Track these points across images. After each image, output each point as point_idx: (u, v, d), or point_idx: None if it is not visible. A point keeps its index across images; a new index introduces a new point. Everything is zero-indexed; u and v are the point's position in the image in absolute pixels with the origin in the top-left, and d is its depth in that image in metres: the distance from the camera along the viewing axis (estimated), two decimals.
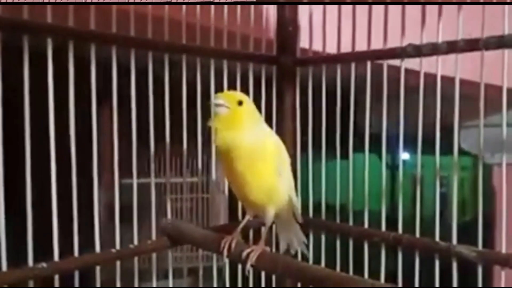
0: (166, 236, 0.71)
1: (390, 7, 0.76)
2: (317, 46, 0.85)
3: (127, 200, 0.72)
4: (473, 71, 0.67)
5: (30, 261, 0.60)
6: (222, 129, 0.59)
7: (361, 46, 0.79)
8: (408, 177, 0.80)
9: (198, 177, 0.81)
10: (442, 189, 0.73)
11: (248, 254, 0.59)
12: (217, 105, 0.59)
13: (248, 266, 0.58)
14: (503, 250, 0.66)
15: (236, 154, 0.59)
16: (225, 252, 0.61)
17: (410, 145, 0.74)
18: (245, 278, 0.76)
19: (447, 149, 0.72)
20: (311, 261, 0.84)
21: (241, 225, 0.65)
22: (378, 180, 0.78)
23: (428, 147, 0.72)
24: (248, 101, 0.63)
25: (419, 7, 0.72)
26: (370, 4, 0.77)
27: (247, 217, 0.67)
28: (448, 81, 0.70)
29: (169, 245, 0.71)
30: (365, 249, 0.78)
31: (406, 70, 0.74)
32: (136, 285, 0.73)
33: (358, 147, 0.79)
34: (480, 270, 0.67)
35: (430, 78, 0.71)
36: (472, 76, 0.67)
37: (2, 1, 0.57)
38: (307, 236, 0.86)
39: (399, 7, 0.74)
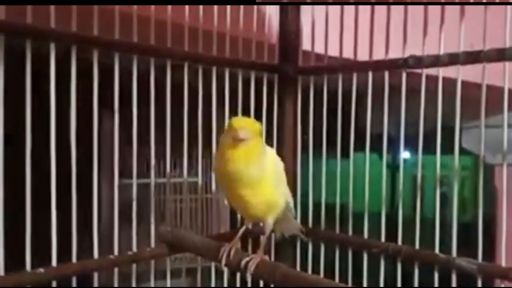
0: (165, 244, 0.70)
1: (392, 16, 0.76)
2: (320, 49, 0.86)
3: (127, 200, 0.71)
4: (475, 73, 0.67)
5: (28, 266, 0.60)
6: (235, 158, 0.57)
7: (363, 51, 0.79)
8: (409, 177, 0.80)
9: (199, 178, 0.81)
10: (442, 189, 0.73)
11: (246, 263, 0.58)
12: (240, 139, 0.56)
13: (247, 275, 0.58)
14: (503, 263, 0.66)
15: (244, 183, 0.58)
16: (224, 260, 0.61)
17: (411, 144, 0.74)
18: (243, 279, 0.75)
19: (447, 148, 0.72)
20: (310, 271, 0.83)
21: (239, 233, 0.65)
22: (378, 179, 0.78)
23: (429, 147, 0.72)
24: (261, 128, 0.60)
25: (421, 16, 0.73)
26: (372, 4, 0.78)
27: (244, 227, 0.67)
28: (449, 82, 0.70)
29: (167, 253, 0.71)
30: (365, 260, 0.78)
31: (408, 72, 0.74)
32: (134, 285, 0.72)
33: (359, 148, 0.79)
34: (479, 282, 0.67)
35: (432, 79, 0.71)
36: (474, 78, 0.67)
37: None
38: (306, 246, 0.86)
39: (401, 16, 0.75)
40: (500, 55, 0.65)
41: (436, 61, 0.70)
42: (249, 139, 0.56)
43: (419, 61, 0.72)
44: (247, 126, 0.57)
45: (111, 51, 0.67)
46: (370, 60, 0.78)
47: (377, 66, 0.77)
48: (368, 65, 0.78)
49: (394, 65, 0.75)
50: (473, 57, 0.67)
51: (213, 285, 0.82)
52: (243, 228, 0.67)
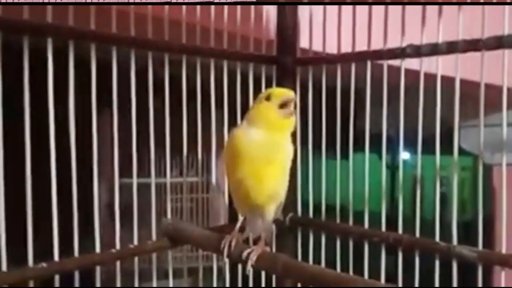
0: (167, 237, 0.71)
1: (390, 7, 0.76)
2: (318, 46, 0.86)
3: (127, 200, 0.72)
4: (473, 71, 0.67)
5: (30, 261, 0.60)
6: (281, 128, 0.58)
7: (362, 46, 0.79)
8: (408, 177, 0.80)
9: (198, 177, 0.81)
10: (442, 189, 0.73)
11: (248, 255, 0.59)
12: (289, 107, 0.57)
13: (248, 266, 0.58)
14: (503, 251, 0.66)
15: (270, 157, 0.57)
16: (225, 252, 0.61)
17: (410, 145, 0.74)
18: (245, 278, 0.76)
19: (447, 149, 0.72)
20: (311, 261, 0.84)
21: (238, 224, 0.65)
22: (378, 180, 0.78)
23: (428, 147, 0.72)
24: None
25: (419, 6, 0.72)
26: (370, 4, 0.77)
27: (242, 218, 0.66)
28: (448, 80, 0.70)
29: (169, 246, 0.71)
30: (365, 250, 0.78)
31: (406, 70, 0.74)
32: (136, 285, 0.73)
33: (358, 147, 0.79)
34: (480, 270, 0.67)
35: (430, 78, 0.71)
36: (472, 76, 0.67)
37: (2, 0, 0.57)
38: (307, 236, 0.86)
39: (400, 7, 0.74)
40: (499, 42, 0.64)
41: (435, 49, 0.70)
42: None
43: (417, 50, 0.72)
44: (293, 96, 0.58)
45: (108, 45, 0.67)
46: (368, 49, 0.78)
47: (376, 56, 0.77)
48: (366, 55, 0.78)
49: (393, 54, 0.75)
50: (472, 45, 0.67)
51: (215, 285, 0.82)
52: (241, 219, 0.67)
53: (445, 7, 0.70)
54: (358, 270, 0.75)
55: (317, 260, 0.82)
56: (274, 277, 0.85)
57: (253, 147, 0.57)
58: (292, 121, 0.59)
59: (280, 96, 0.58)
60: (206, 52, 0.77)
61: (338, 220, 0.83)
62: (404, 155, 0.76)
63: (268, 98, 0.58)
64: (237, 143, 0.59)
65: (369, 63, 0.77)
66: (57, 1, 0.62)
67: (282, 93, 0.59)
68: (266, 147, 0.57)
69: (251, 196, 0.60)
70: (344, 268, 0.78)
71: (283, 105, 0.58)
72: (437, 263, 0.71)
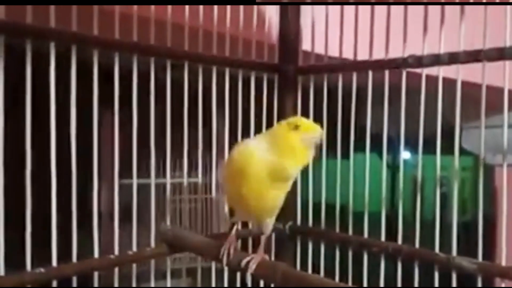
0: (165, 243, 0.70)
1: (392, 16, 0.76)
2: (320, 49, 0.86)
3: (126, 201, 0.71)
4: (475, 73, 0.67)
5: (28, 266, 0.60)
6: (286, 156, 0.57)
7: (363, 53, 0.79)
8: (409, 177, 0.80)
9: (199, 178, 0.81)
10: (442, 189, 0.73)
11: (247, 263, 0.58)
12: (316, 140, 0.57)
13: (247, 274, 0.58)
14: (503, 262, 0.66)
15: (275, 182, 0.57)
16: (224, 259, 0.61)
17: (411, 144, 0.74)
18: (243, 279, 0.75)
19: (448, 149, 0.72)
20: (310, 270, 0.84)
21: (233, 231, 0.64)
22: (378, 179, 0.78)
23: (429, 147, 0.72)
24: None
25: (421, 16, 0.73)
26: (372, 4, 0.78)
27: (236, 226, 0.66)
28: (450, 82, 0.70)
29: (167, 252, 0.71)
30: (365, 259, 0.78)
31: (408, 72, 0.74)
32: (134, 285, 0.72)
33: (359, 147, 0.79)
34: (479, 281, 0.67)
35: (432, 79, 0.71)
36: (474, 78, 0.67)
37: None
38: (306, 245, 0.86)
39: (401, 16, 0.75)
40: (500, 54, 0.65)
41: (436, 60, 0.70)
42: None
43: (419, 61, 0.72)
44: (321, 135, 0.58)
45: (111, 50, 0.67)
46: (370, 59, 0.78)
47: (377, 66, 0.77)
48: (368, 65, 0.78)
49: (394, 65, 0.75)
50: (473, 56, 0.67)
51: (213, 285, 0.81)
52: (235, 227, 0.66)
53: (447, 17, 0.70)
54: (357, 280, 0.75)
55: (316, 269, 0.82)
56: None
57: (261, 168, 0.56)
58: (311, 154, 0.58)
59: (309, 131, 0.57)
60: (208, 59, 0.78)
61: (337, 222, 0.82)
62: (404, 154, 0.76)
63: (295, 128, 0.57)
64: (246, 161, 0.57)
65: (370, 73, 0.78)
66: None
67: (311, 128, 0.58)
68: (275, 173, 0.56)
69: (251, 212, 0.61)
70: (343, 277, 0.77)
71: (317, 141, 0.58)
72: (436, 274, 0.71)
